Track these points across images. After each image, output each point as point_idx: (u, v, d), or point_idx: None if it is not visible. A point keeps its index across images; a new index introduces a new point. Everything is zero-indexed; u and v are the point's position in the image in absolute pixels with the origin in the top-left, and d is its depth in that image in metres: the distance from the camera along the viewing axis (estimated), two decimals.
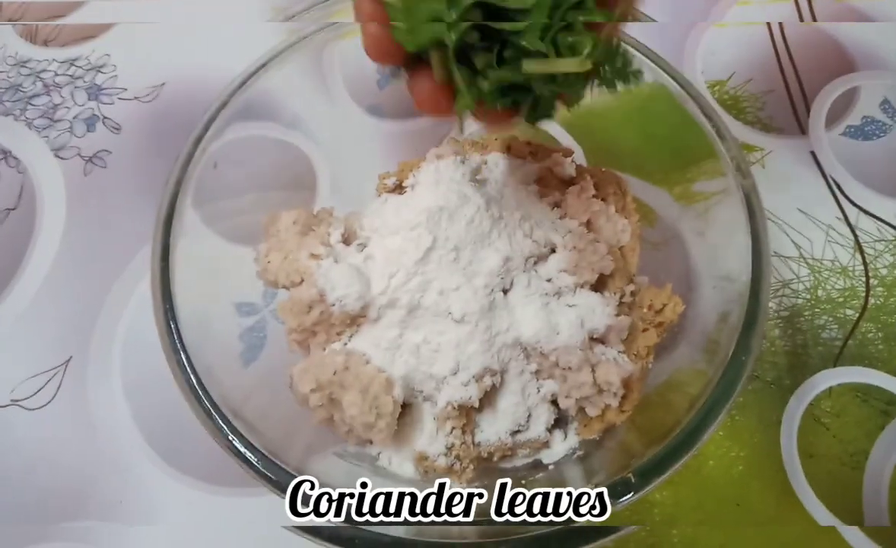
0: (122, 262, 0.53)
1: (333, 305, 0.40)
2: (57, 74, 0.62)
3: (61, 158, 0.58)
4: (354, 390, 0.38)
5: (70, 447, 0.47)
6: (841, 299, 0.51)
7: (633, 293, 0.43)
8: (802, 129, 0.59)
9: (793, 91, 0.61)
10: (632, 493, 0.32)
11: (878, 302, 0.51)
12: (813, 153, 0.57)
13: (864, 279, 0.51)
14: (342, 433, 0.41)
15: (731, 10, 0.66)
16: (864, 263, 0.52)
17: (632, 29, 0.48)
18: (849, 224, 0.54)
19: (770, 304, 0.51)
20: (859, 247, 0.53)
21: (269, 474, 0.32)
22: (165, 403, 0.47)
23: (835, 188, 0.55)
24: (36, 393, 0.49)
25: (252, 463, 0.32)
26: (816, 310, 0.50)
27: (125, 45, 0.64)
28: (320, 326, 0.41)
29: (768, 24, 0.65)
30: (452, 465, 0.40)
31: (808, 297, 0.51)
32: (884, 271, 0.52)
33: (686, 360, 0.41)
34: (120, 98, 0.61)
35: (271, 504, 0.44)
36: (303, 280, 0.41)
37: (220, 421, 0.32)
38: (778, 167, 0.57)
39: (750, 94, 0.61)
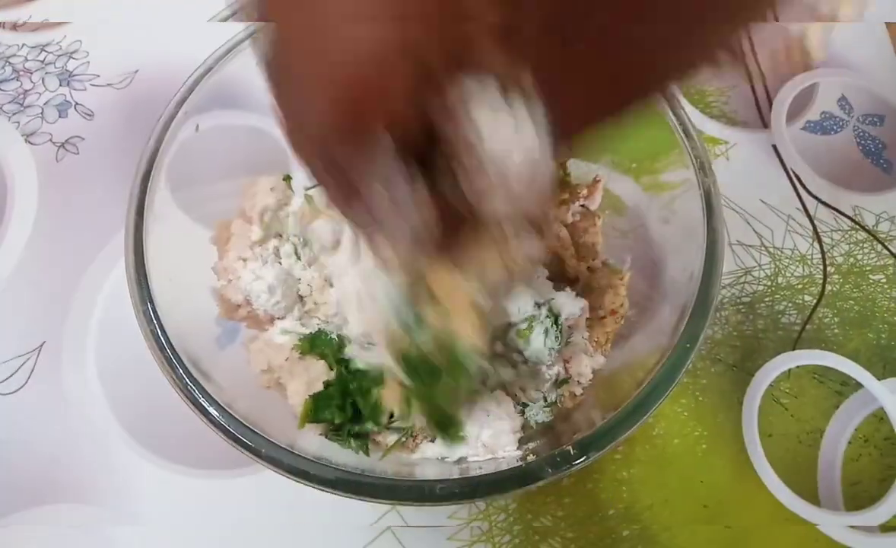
0: (96, 248, 0.53)
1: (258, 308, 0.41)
2: (27, 59, 0.62)
3: (32, 144, 0.58)
4: (300, 381, 0.38)
5: (43, 432, 0.46)
6: (800, 286, 0.53)
7: (590, 270, 0.45)
8: (765, 124, 0.61)
9: (756, 87, 0.63)
10: (569, 465, 0.33)
11: (835, 289, 0.53)
12: (775, 147, 0.59)
13: (821, 267, 0.53)
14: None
15: None
16: (822, 252, 0.54)
17: None
18: (808, 214, 0.56)
19: (732, 290, 0.52)
20: (817, 236, 0.55)
21: (247, 441, 0.32)
22: (140, 387, 0.47)
23: (795, 180, 0.57)
24: (8, 378, 0.48)
25: (229, 430, 0.32)
26: (776, 296, 0.52)
27: (97, 32, 0.64)
28: (250, 321, 0.42)
29: None
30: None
31: (769, 284, 0.53)
32: (840, 259, 0.54)
33: (644, 344, 0.42)
34: (93, 84, 0.61)
35: (246, 485, 0.45)
36: (230, 281, 0.42)
37: (197, 392, 0.33)
38: (742, 159, 0.59)
39: (715, 89, 0.63)
